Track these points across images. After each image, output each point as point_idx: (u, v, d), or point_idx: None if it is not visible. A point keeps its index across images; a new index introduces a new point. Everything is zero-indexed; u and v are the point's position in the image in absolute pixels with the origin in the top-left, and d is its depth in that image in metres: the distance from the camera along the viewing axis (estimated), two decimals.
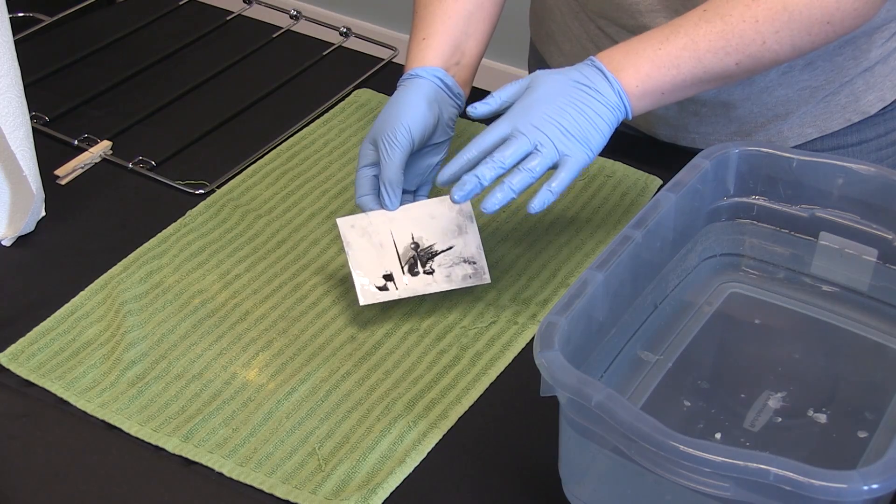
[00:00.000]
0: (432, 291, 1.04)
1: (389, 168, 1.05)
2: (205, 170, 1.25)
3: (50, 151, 1.26)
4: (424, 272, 1.04)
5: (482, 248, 1.06)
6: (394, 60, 1.42)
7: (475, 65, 1.15)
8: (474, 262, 1.05)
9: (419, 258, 1.04)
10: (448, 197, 1.01)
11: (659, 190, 1.17)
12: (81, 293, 1.09)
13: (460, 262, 1.05)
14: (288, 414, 0.98)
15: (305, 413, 0.98)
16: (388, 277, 1.04)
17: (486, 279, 1.05)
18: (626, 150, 1.25)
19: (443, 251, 1.05)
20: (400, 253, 1.04)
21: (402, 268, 1.04)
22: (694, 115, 1.22)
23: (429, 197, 1.10)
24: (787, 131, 1.20)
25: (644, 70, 1.00)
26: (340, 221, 1.05)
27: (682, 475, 0.76)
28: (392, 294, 1.03)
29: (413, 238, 1.05)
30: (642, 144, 1.27)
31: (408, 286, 1.03)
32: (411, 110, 1.07)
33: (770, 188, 1.02)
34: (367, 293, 1.03)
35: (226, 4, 1.52)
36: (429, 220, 1.05)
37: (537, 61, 1.35)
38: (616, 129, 1.01)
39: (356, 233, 1.05)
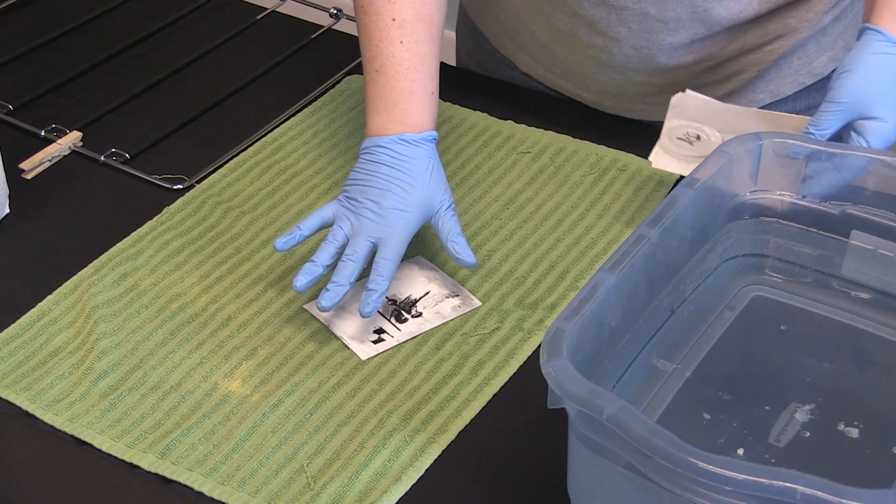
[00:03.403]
0: (428, 329, 1.06)
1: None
2: (183, 163, 1.25)
3: (14, 143, 1.26)
4: (412, 317, 1.07)
5: (458, 283, 1.10)
6: None
7: None
8: (457, 295, 1.09)
9: (401, 309, 1.07)
10: (404, 263, 1.10)
11: (676, 184, 1.18)
12: (49, 297, 1.09)
13: (443, 299, 1.09)
14: (273, 428, 0.98)
15: (292, 427, 0.98)
16: (380, 331, 1.06)
17: (476, 303, 1.08)
18: (640, 140, 1.25)
19: (421, 297, 1.09)
20: (381, 311, 1.07)
21: (389, 320, 1.07)
22: (640, 85, 1.26)
23: None
24: (739, 97, 1.25)
25: None
26: (309, 307, 1.08)
27: (701, 494, 0.76)
28: (390, 342, 1.05)
29: (387, 297, 1.08)
30: (658, 134, 1.27)
31: (402, 332, 1.06)
32: None
33: (797, 183, 1.02)
34: (365, 348, 1.05)
35: None
36: (395, 281, 1.10)
37: (468, 30, 1.38)
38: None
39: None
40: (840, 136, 1.06)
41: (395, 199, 1.07)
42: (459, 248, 1.07)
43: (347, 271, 1.04)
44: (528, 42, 1.29)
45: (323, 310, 1.03)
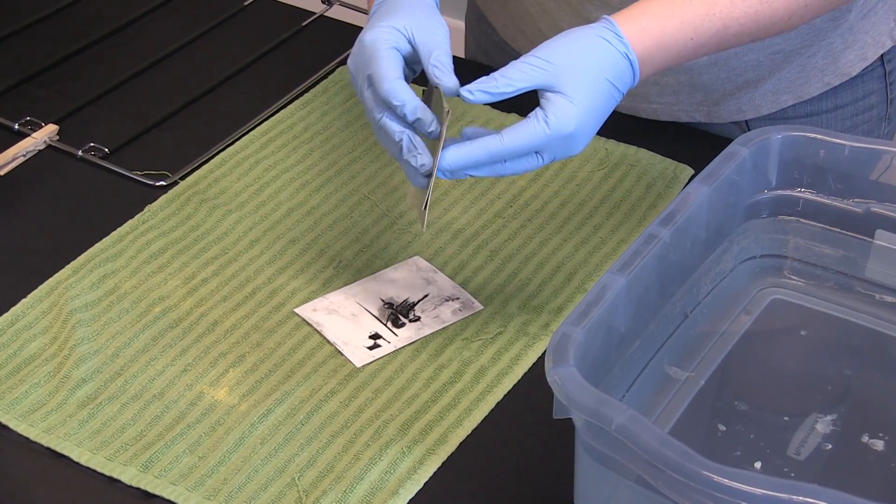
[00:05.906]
0: (427, 334, 1.07)
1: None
2: (166, 158, 1.25)
3: None
4: (410, 321, 1.07)
5: (458, 286, 1.10)
6: None
7: None
8: (457, 298, 1.09)
9: (398, 313, 1.08)
10: (401, 264, 1.12)
11: (690, 181, 1.18)
12: (23, 301, 1.09)
13: (443, 302, 1.09)
14: (262, 439, 0.98)
15: (283, 438, 0.98)
16: (376, 336, 1.06)
17: (478, 306, 1.09)
18: (652, 135, 1.25)
19: (420, 300, 1.09)
20: (376, 315, 1.08)
21: (386, 325, 1.07)
22: (654, 85, 1.25)
23: None
24: (760, 99, 1.25)
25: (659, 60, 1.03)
26: (300, 311, 1.08)
27: None
28: (386, 348, 1.06)
29: (384, 301, 1.09)
30: (670, 128, 1.27)
31: (399, 337, 1.06)
32: None
33: (818, 179, 1.02)
34: (360, 355, 1.05)
35: None
36: (391, 283, 1.10)
37: (477, 19, 1.37)
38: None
39: (322, 314, 1.08)
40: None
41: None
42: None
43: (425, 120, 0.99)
44: (537, 36, 1.29)
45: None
